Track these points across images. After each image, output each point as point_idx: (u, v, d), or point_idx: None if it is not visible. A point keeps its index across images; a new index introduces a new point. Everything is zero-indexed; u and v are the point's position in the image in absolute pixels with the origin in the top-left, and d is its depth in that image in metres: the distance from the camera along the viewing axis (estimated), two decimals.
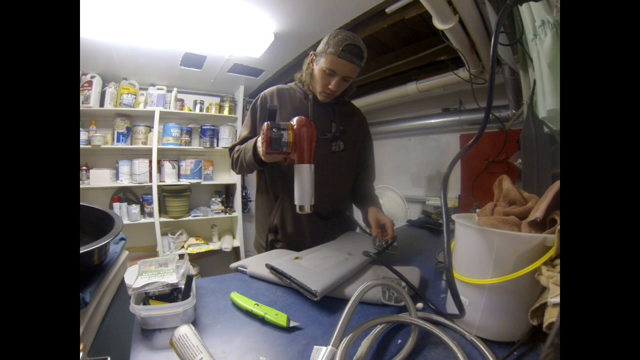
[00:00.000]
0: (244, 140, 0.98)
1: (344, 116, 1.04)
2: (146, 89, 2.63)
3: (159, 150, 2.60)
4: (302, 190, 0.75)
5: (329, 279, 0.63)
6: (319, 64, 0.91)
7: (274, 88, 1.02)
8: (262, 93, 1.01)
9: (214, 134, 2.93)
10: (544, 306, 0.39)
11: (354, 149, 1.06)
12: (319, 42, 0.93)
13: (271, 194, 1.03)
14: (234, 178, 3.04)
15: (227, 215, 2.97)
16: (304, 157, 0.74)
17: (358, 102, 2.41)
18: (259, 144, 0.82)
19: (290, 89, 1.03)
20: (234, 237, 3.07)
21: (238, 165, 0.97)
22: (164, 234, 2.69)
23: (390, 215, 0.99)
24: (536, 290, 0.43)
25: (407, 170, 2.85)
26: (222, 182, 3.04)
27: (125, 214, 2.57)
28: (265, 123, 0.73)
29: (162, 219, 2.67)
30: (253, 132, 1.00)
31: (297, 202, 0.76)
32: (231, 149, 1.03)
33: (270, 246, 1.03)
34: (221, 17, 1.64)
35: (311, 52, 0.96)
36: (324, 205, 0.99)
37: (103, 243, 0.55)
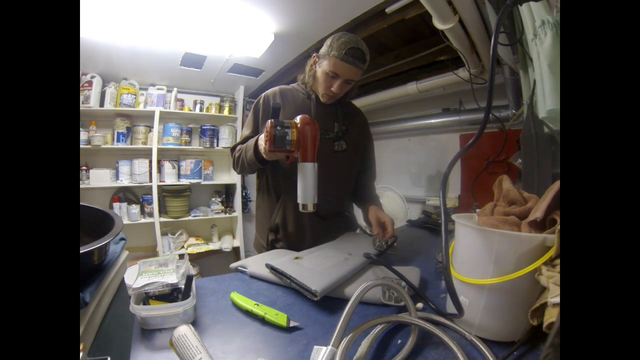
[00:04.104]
0: (246, 140, 0.98)
1: (346, 116, 1.04)
2: (146, 89, 2.63)
3: (159, 150, 2.60)
4: (305, 188, 0.74)
5: (329, 279, 0.63)
6: (322, 67, 0.92)
7: (276, 88, 1.02)
8: (265, 93, 1.01)
9: (214, 134, 2.93)
10: (544, 306, 0.39)
11: (355, 149, 1.06)
12: (319, 42, 0.94)
13: (272, 194, 1.03)
14: (234, 178, 3.04)
15: (227, 215, 2.97)
16: (308, 155, 0.73)
17: (358, 102, 2.40)
18: (261, 141, 0.82)
19: (293, 89, 1.03)
20: (234, 237, 3.07)
21: (239, 165, 0.97)
22: (164, 234, 2.69)
23: (391, 215, 0.99)
24: (536, 290, 0.43)
25: (407, 170, 2.84)
26: (222, 182, 3.04)
27: (125, 214, 2.57)
28: (269, 121, 0.72)
29: (162, 219, 2.67)
30: (255, 132, 1.00)
31: (300, 200, 0.75)
32: (233, 148, 1.03)
33: (270, 246, 1.03)
34: (221, 17, 1.64)
35: (314, 54, 0.97)
36: (326, 205, 0.99)
37: (103, 243, 0.55)
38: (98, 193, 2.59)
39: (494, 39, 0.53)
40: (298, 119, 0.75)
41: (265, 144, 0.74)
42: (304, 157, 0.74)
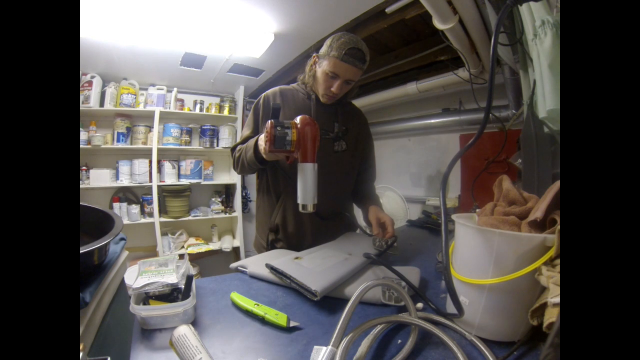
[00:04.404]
0: (246, 140, 0.98)
1: (346, 116, 1.05)
2: (146, 89, 2.63)
3: (159, 150, 2.60)
4: (305, 189, 0.74)
5: (329, 279, 0.63)
6: (322, 67, 0.92)
7: (276, 88, 1.02)
8: (265, 93, 1.01)
9: (214, 134, 2.93)
10: (544, 306, 0.39)
11: (355, 149, 1.06)
12: (319, 42, 0.94)
13: (272, 194, 1.03)
14: (234, 178, 3.04)
15: (227, 215, 2.97)
16: (308, 155, 0.73)
17: (358, 102, 2.40)
18: (261, 142, 0.82)
19: (293, 89, 1.03)
20: (234, 237, 3.07)
21: (239, 165, 0.97)
22: (164, 234, 2.69)
23: (391, 215, 0.99)
24: (536, 290, 0.43)
25: (407, 170, 2.85)
26: (222, 182, 3.04)
27: (125, 214, 2.57)
28: (269, 121, 0.72)
29: (162, 219, 2.67)
30: (255, 132, 1.00)
31: (300, 200, 0.75)
32: (233, 148, 1.03)
33: (270, 246, 1.03)
34: (221, 17, 1.64)
35: (314, 54, 0.97)
36: (326, 205, 0.99)
37: (103, 243, 0.55)
38: (98, 193, 2.59)
39: (494, 39, 0.53)
40: (298, 119, 0.74)
41: (265, 144, 0.74)
42: (304, 158, 0.73)
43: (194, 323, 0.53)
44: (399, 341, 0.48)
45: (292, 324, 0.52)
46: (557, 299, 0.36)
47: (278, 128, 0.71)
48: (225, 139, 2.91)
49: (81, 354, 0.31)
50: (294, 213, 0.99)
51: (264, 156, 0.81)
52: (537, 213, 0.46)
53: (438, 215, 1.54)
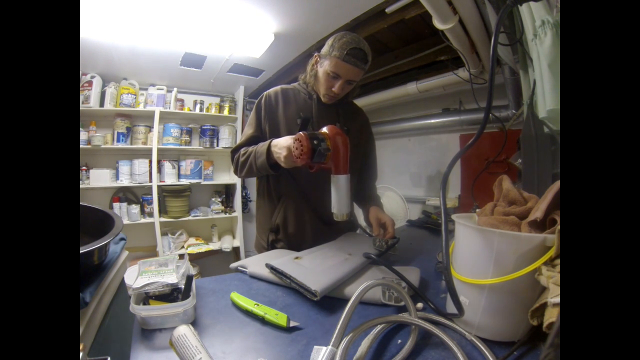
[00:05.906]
0: (249, 139, 0.97)
1: (347, 116, 1.04)
2: (146, 89, 2.63)
3: (159, 150, 2.60)
4: (340, 200, 0.74)
5: (329, 279, 0.63)
6: (323, 67, 0.91)
7: (277, 88, 1.01)
8: (266, 92, 1.00)
9: (214, 134, 2.93)
10: (544, 306, 0.39)
11: (357, 150, 1.06)
12: (319, 42, 0.93)
13: (274, 195, 1.03)
14: (234, 178, 3.04)
15: (227, 215, 2.97)
16: (341, 167, 0.72)
17: (358, 102, 2.38)
18: (276, 149, 0.81)
19: (294, 89, 1.02)
20: (234, 237, 3.07)
21: (245, 169, 0.94)
22: (164, 234, 2.69)
23: (390, 215, 0.99)
24: (536, 290, 0.43)
25: (407, 170, 2.84)
26: (222, 182, 3.04)
27: (125, 214, 2.57)
28: (302, 133, 0.70)
29: (162, 219, 2.67)
30: (258, 131, 0.99)
31: (335, 211, 0.75)
32: (235, 150, 1.00)
33: (271, 246, 1.03)
34: (221, 17, 1.64)
35: (315, 54, 0.96)
36: (327, 206, 0.99)
37: (103, 243, 0.55)
38: (98, 193, 2.59)
39: (494, 39, 0.53)
40: (326, 129, 0.73)
41: (299, 157, 0.72)
42: (337, 170, 0.72)
43: (194, 323, 0.53)
44: (399, 341, 0.48)
45: (292, 324, 0.52)
46: (557, 299, 0.36)
47: (315, 142, 0.69)
48: (225, 139, 2.91)
49: (81, 354, 0.31)
50: (294, 214, 0.99)
51: (283, 164, 0.79)
52: (537, 213, 0.46)
53: (438, 215, 1.54)
